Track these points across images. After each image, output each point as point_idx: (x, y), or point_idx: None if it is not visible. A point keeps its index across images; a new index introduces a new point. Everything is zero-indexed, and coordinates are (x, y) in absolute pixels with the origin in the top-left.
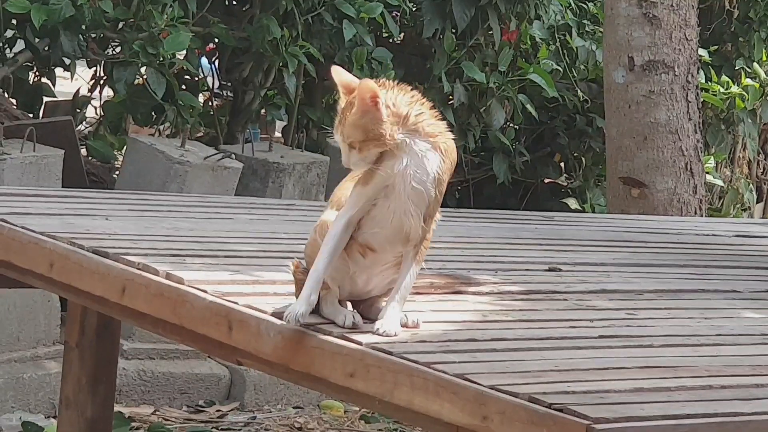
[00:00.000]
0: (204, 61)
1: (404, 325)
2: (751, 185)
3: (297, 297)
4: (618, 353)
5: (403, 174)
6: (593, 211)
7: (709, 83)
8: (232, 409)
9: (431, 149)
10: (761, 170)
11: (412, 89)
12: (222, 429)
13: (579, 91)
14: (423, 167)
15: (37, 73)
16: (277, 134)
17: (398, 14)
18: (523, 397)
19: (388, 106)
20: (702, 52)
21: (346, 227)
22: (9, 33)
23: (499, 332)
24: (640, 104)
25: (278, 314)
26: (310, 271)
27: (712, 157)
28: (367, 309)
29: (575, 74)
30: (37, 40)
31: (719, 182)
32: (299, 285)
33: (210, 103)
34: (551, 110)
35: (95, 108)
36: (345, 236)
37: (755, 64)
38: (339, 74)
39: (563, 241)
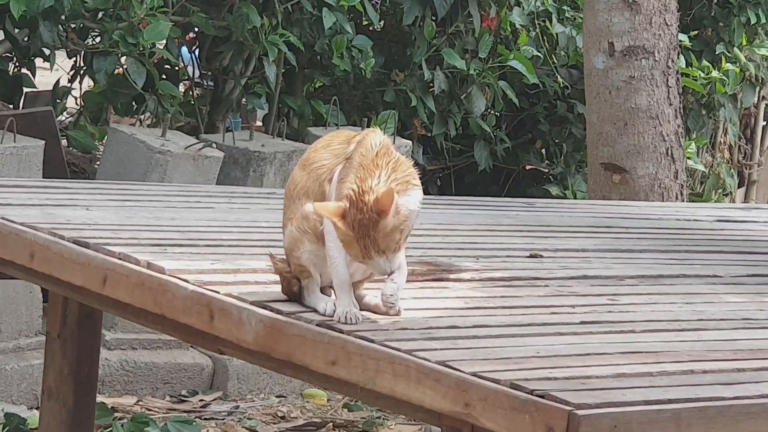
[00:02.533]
0: (184, 50)
1: (385, 313)
2: (732, 170)
3: (282, 290)
4: (600, 339)
5: None
6: (575, 197)
7: (690, 68)
8: (215, 399)
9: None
10: (742, 155)
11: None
12: (205, 418)
13: (559, 77)
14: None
15: (16, 64)
16: (258, 123)
17: (378, 2)
18: (505, 384)
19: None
20: (682, 37)
21: (345, 262)
22: None
23: (480, 319)
24: (621, 90)
25: (259, 303)
26: (334, 283)
27: (693, 143)
28: None
29: (556, 60)
30: (16, 30)
31: (701, 167)
32: (283, 277)
33: (190, 93)
34: (532, 97)
35: (75, 98)
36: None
37: (736, 48)
38: (324, 208)
39: (544, 227)
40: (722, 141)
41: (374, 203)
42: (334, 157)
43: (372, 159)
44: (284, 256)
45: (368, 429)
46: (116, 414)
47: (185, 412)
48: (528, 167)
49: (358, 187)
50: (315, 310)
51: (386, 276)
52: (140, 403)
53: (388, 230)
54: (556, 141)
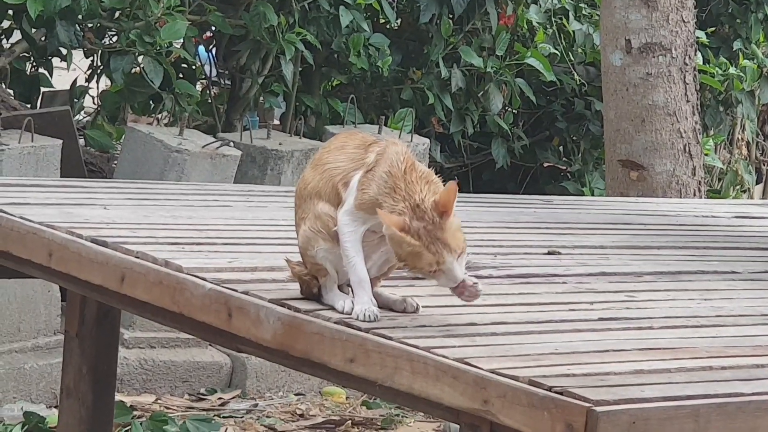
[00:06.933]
0: (201, 49)
1: (403, 310)
2: (750, 167)
3: (302, 292)
4: (618, 335)
5: None
6: (592, 194)
7: (707, 65)
8: (233, 397)
9: None
10: (760, 151)
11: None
12: (224, 417)
13: (576, 74)
14: None
15: (33, 64)
16: (276, 121)
17: (395, 0)
18: (524, 381)
19: None
20: (699, 33)
21: (360, 239)
22: (5, 24)
23: (498, 316)
24: (638, 87)
25: (277, 301)
26: (352, 282)
27: (711, 139)
28: None
29: (573, 58)
30: (33, 30)
31: (718, 164)
32: (302, 280)
33: (208, 92)
34: (549, 94)
35: (93, 98)
36: (360, 242)
37: (753, 45)
38: (388, 218)
39: (562, 224)
40: (740, 137)
41: (434, 206)
42: (349, 161)
43: (402, 177)
44: (300, 259)
45: (387, 426)
46: (135, 412)
47: (204, 410)
48: (545, 164)
49: (409, 204)
50: (333, 308)
51: (455, 285)
52: (159, 401)
53: (454, 229)
54: (574, 138)
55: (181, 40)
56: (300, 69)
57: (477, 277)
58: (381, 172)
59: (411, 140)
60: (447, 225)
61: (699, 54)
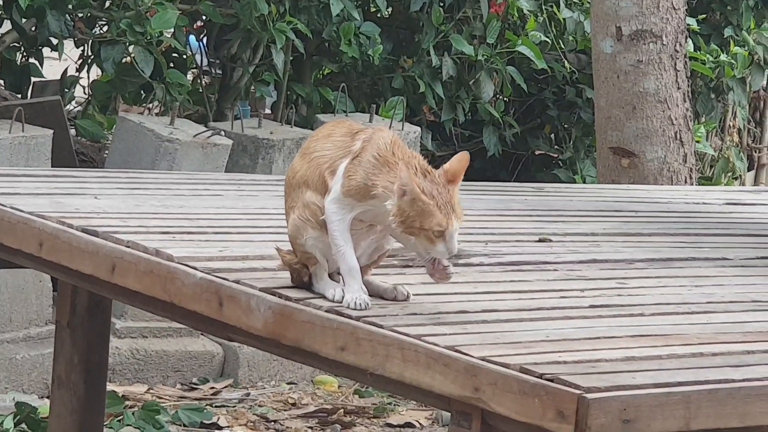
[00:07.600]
0: (192, 38)
1: (394, 298)
2: (741, 154)
3: (292, 281)
4: (609, 322)
5: None
6: (584, 182)
7: (698, 52)
8: (225, 386)
9: None
10: (752, 138)
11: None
12: (216, 406)
13: (567, 62)
14: None
15: (24, 54)
16: (267, 110)
17: None
18: (515, 368)
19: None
20: (690, 20)
21: (348, 227)
22: None
23: (489, 303)
24: (629, 74)
25: (268, 289)
26: (342, 271)
27: (702, 126)
28: None
29: (563, 45)
30: (23, 20)
31: (710, 151)
32: (292, 269)
33: (199, 81)
34: (540, 82)
35: (83, 87)
36: (349, 230)
37: (744, 31)
38: (409, 175)
39: (553, 211)
40: (731, 124)
41: (444, 173)
42: (336, 149)
43: (393, 155)
44: (290, 248)
45: (379, 415)
46: (127, 402)
47: (196, 399)
48: (537, 152)
49: (417, 169)
50: (324, 297)
51: (449, 256)
52: (151, 391)
53: (458, 198)
54: (565, 126)
55: (172, 30)
56: (291, 58)
57: (468, 264)
58: (368, 156)
59: (402, 128)
60: (454, 192)
61: (690, 41)
